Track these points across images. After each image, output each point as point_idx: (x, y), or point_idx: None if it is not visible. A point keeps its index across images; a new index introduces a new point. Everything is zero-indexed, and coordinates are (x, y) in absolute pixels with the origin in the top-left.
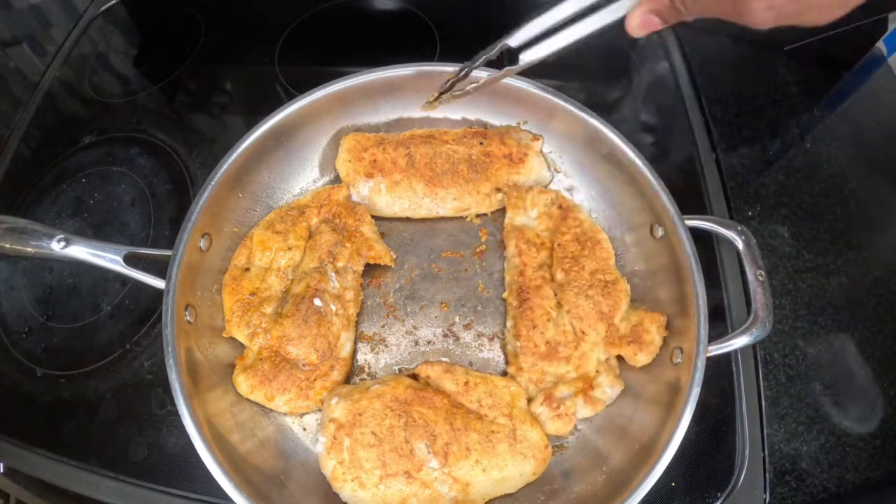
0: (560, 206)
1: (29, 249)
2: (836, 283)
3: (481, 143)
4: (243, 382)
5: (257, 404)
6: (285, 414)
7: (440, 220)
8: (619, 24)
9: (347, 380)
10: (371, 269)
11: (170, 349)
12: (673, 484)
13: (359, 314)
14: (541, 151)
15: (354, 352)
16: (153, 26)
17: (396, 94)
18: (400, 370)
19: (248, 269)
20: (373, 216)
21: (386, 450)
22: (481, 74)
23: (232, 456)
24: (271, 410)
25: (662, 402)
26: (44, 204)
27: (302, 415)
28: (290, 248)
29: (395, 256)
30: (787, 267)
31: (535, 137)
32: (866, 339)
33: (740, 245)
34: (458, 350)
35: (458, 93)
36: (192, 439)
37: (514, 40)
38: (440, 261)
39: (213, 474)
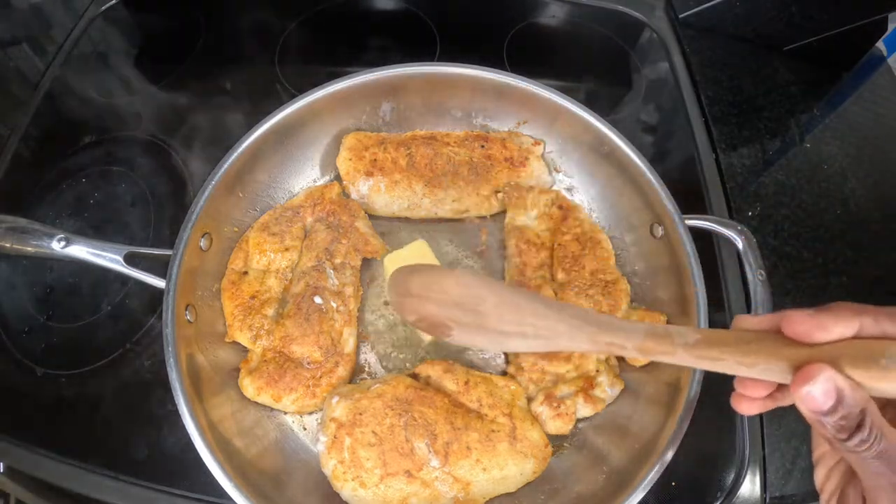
0: (560, 207)
1: (29, 249)
2: (836, 283)
3: (483, 146)
4: (249, 385)
5: (261, 407)
6: (293, 413)
7: (440, 220)
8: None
9: (352, 376)
10: (371, 269)
11: (170, 349)
12: (673, 484)
13: (359, 310)
14: (542, 156)
15: (358, 347)
16: (153, 26)
17: (397, 94)
18: (400, 370)
19: (246, 273)
20: (372, 216)
21: (386, 449)
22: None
23: (235, 459)
24: (274, 412)
25: (662, 402)
26: (44, 204)
27: (310, 413)
28: (286, 249)
29: (391, 250)
30: (787, 267)
31: (537, 142)
32: None
33: (740, 245)
34: (459, 350)
35: None
36: (193, 439)
37: None
38: (440, 260)
39: (214, 474)
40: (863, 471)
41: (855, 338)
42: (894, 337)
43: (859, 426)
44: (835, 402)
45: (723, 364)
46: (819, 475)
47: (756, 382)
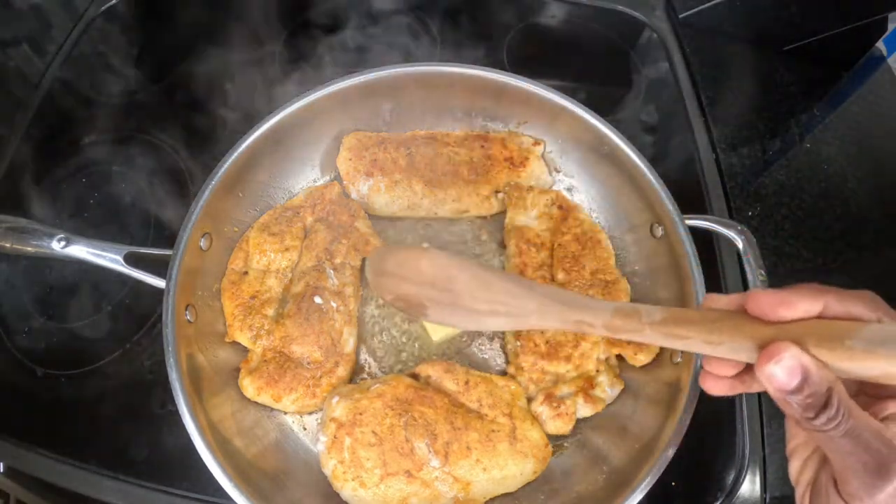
0: (560, 207)
1: (29, 249)
2: (835, 283)
3: (483, 146)
4: (249, 385)
5: (261, 407)
6: (293, 413)
7: (440, 220)
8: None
9: (352, 376)
10: None
11: (170, 349)
12: (673, 484)
13: (359, 310)
14: (542, 156)
15: (358, 347)
16: (153, 26)
17: (397, 94)
18: (401, 370)
19: (246, 273)
20: (372, 216)
21: (386, 449)
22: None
23: (235, 459)
24: (274, 412)
25: (662, 402)
26: (44, 204)
27: (310, 413)
28: (287, 249)
29: None
30: (787, 267)
31: (537, 142)
32: None
33: (740, 245)
34: (458, 349)
35: None
36: (193, 439)
37: None
38: None
39: (214, 474)
40: (832, 451)
41: (819, 317)
42: (859, 318)
43: (826, 404)
44: (800, 381)
45: (690, 342)
46: (794, 467)
47: (722, 361)
